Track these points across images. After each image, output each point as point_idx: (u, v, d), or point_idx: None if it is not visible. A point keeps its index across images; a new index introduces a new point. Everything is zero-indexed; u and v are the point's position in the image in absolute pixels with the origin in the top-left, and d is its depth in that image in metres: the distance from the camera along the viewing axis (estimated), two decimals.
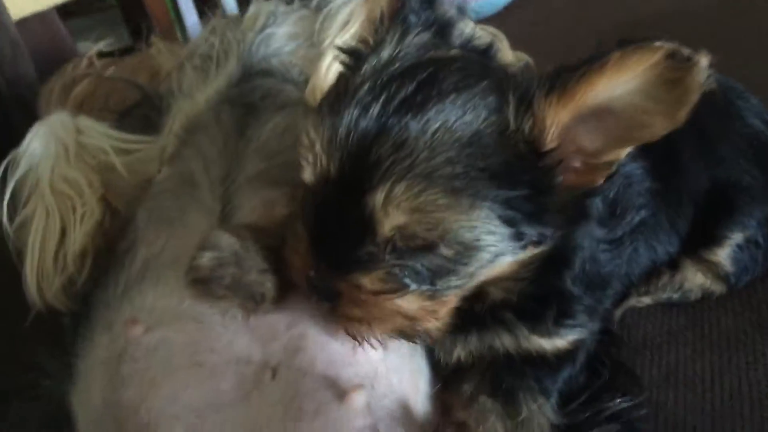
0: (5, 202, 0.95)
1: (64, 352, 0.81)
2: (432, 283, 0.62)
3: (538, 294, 0.68)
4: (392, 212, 0.57)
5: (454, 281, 0.62)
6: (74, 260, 0.91)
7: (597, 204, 0.66)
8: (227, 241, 0.70)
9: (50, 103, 1.16)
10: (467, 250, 0.60)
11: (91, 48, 1.38)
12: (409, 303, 0.62)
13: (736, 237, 0.85)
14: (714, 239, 0.85)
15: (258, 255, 0.70)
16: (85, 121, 1.00)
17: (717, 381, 0.77)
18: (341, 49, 0.69)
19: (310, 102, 0.95)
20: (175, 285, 0.73)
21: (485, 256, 0.60)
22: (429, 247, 0.60)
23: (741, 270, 0.86)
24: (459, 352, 0.72)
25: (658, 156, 0.78)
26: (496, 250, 0.60)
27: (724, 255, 0.85)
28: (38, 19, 2.06)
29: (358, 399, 0.61)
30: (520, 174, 0.58)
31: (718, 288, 0.88)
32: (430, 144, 0.57)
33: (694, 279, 0.87)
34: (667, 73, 0.53)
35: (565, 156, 0.59)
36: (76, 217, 0.92)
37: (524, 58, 1.18)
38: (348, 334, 0.65)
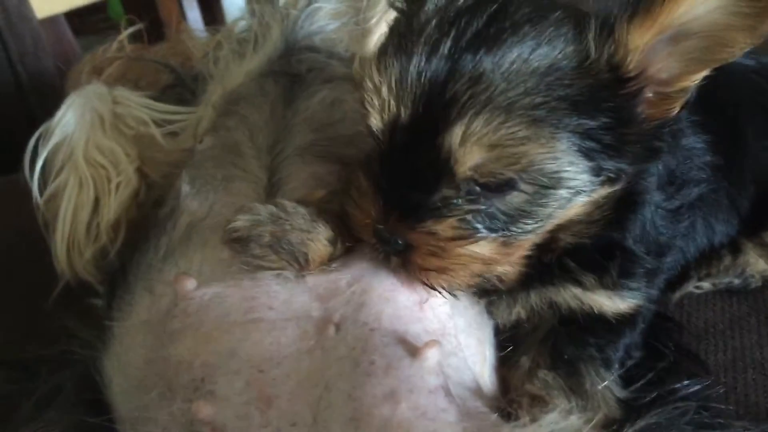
0: (36, 174, 0.92)
1: (96, 321, 0.77)
2: (507, 229, 0.59)
3: (603, 246, 0.66)
4: (472, 149, 0.55)
5: (530, 225, 0.59)
6: (107, 230, 0.88)
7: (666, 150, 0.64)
8: (264, 207, 0.67)
9: (79, 85, 1.12)
10: (547, 187, 0.57)
11: None
12: (483, 249, 0.59)
13: None
14: None
15: (299, 217, 0.66)
16: (122, 92, 0.97)
17: None
18: None
19: (357, 77, 0.92)
20: (223, 247, 0.69)
21: (564, 194, 0.58)
22: (508, 185, 0.57)
23: None
24: (519, 310, 0.69)
25: (722, 131, 0.76)
26: (575, 185, 0.58)
27: None
28: (50, 25, 2.05)
29: (431, 356, 0.57)
30: (601, 102, 0.56)
31: None
32: (507, 76, 0.55)
33: (756, 265, 0.84)
34: None
35: (642, 85, 0.57)
36: (111, 187, 0.89)
37: None
38: (425, 285, 0.62)
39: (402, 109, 0.57)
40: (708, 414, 0.64)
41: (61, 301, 0.90)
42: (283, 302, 0.63)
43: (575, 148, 0.56)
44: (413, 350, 0.58)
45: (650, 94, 0.58)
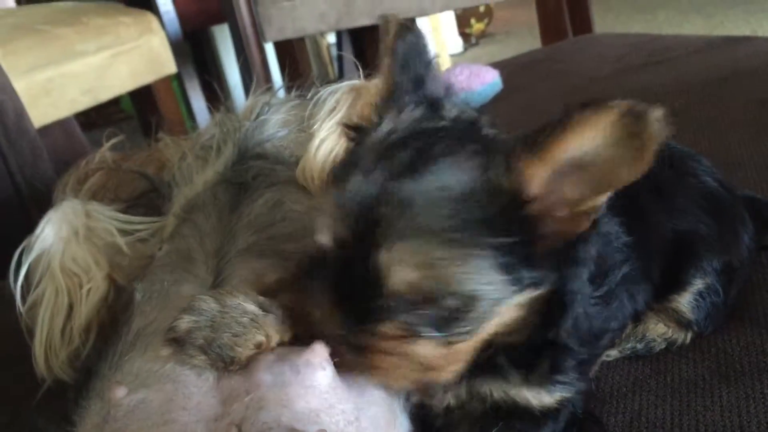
0: (19, 285, 0.99)
1: (66, 421, 0.83)
2: (445, 331, 0.64)
3: (534, 344, 0.71)
4: (397, 270, 0.61)
5: (464, 328, 0.64)
6: (80, 334, 0.94)
7: (588, 254, 0.70)
8: (208, 305, 0.72)
9: (65, 195, 1.20)
10: (470, 300, 0.63)
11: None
12: (425, 350, 0.65)
13: (698, 283, 0.86)
14: (678, 285, 0.86)
15: (236, 317, 0.71)
16: (94, 206, 1.05)
17: (677, 423, 0.77)
18: (347, 126, 0.76)
19: (300, 179, 1.00)
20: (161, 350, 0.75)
21: (487, 302, 0.63)
22: (434, 300, 0.63)
23: (704, 318, 0.87)
24: (449, 399, 0.74)
25: (628, 213, 0.80)
26: (496, 295, 0.63)
27: (684, 302, 0.86)
28: (59, 126, 2.14)
29: None
30: (509, 223, 0.62)
31: (680, 336, 0.89)
32: (427, 202, 0.61)
33: (656, 329, 0.88)
34: (626, 128, 0.57)
35: (550, 206, 0.63)
36: (82, 294, 0.96)
37: None
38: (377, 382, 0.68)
39: (341, 229, 0.65)
40: None
41: (42, 403, 0.96)
42: (195, 404, 0.68)
43: (491, 264, 0.61)
44: None
45: (563, 213, 0.64)
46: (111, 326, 0.92)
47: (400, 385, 0.68)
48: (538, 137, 0.61)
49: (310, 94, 1.15)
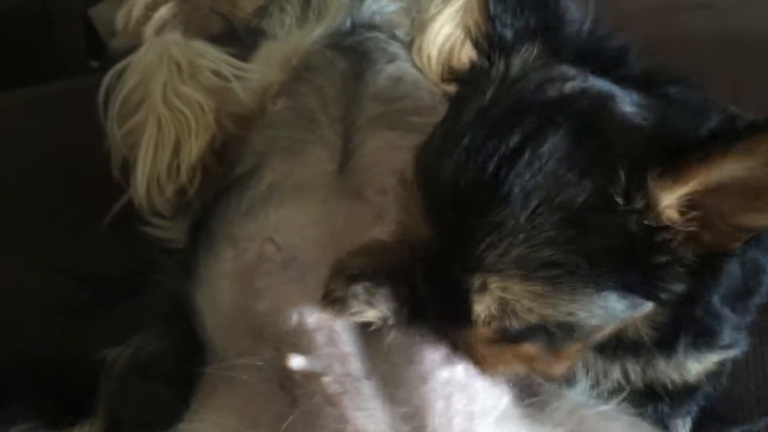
0: (116, 107, 0.97)
1: (180, 253, 0.86)
2: (549, 341, 0.57)
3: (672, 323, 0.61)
4: (486, 299, 0.53)
5: (570, 340, 0.58)
6: (187, 172, 0.93)
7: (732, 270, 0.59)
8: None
9: (130, 22, 1.14)
10: (575, 326, 0.55)
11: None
12: (530, 351, 0.59)
13: None
14: None
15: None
16: (200, 44, 1.00)
17: None
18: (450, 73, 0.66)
19: (416, 60, 0.99)
20: (299, 209, 0.77)
21: (599, 319, 0.55)
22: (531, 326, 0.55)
23: None
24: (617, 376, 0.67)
25: None
26: (609, 317, 0.55)
27: None
28: None
29: None
30: (630, 257, 0.51)
31: None
32: (530, 222, 0.50)
33: None
34: None
35: (700, 219, 0.52)
36: (191, 132, 0.94)
37: None
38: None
39: (431, 226, 0.56)
40: None
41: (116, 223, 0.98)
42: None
43: (598, 302, 0.53)
44: None
45: (719, 225, 0.51)
46: (221, 169, 0.93)
47: (511, 373, 0.62)
48: (684, 160, 0.49)
49: None
